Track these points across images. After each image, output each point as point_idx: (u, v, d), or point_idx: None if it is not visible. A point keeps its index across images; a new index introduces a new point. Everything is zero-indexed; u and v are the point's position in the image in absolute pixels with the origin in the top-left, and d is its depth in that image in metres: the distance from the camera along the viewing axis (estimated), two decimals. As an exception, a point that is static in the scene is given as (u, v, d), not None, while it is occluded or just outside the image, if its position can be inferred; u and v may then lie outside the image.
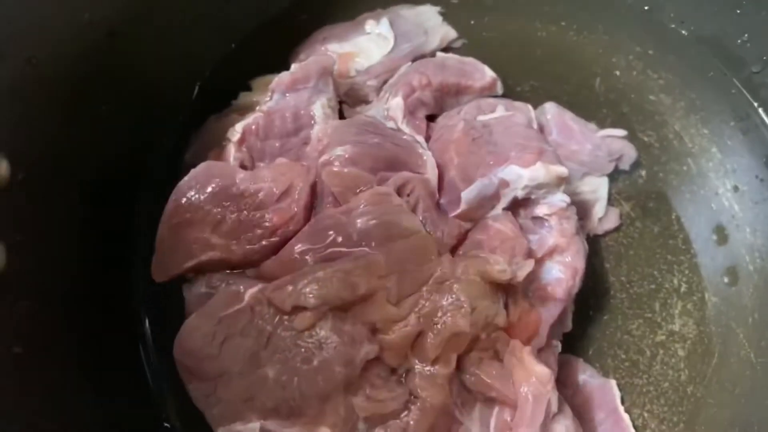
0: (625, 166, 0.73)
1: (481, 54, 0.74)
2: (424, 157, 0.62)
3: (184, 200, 0.60)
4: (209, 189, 0.60)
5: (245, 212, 0.60)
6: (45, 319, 0.53)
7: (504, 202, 0.62)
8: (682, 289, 0.70)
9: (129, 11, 0.60)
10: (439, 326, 0.56)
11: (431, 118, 0.70)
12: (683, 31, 0.76)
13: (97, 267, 0.62)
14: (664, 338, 0.68)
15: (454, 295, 0.57)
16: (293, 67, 0.65)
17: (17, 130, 0.50)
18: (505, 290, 0.60)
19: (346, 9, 0.77)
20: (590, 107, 0.75)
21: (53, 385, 0.52)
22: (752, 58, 0.71)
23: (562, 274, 0.61)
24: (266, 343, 0.56)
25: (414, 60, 0.74)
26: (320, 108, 0.64)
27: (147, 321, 0.65)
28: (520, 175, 0.60)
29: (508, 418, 0.57)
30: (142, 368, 0.64)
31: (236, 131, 0.63)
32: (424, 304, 0.57)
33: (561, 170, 0.61)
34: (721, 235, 0.71)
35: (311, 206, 0.61)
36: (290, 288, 0.55)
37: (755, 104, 0.74)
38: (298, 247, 0.59)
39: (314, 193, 0.62)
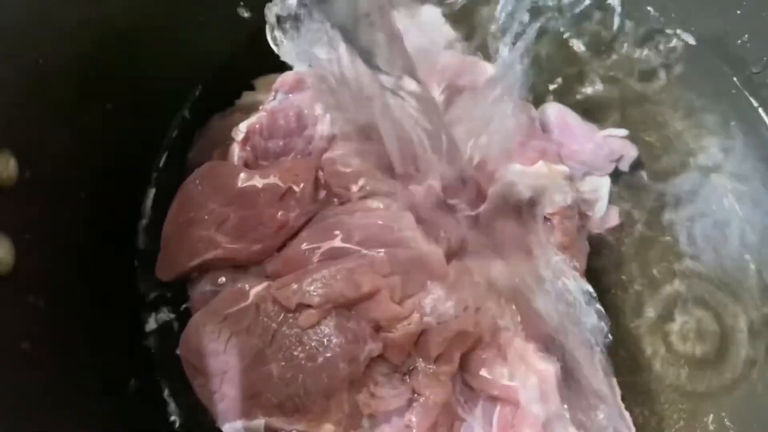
0: (625, 166, 0.73)
1: (482, 53, 0.76)
2: (429, 156, 0.63)
3: (188, 199, 0.61)
4: (213, 188, 0.61)
5: (249, 211, 0.61)
6: (52, 316, 0.53)
7: (510, 200, 0.63)
8: (683, 289, 0.70)
9: (134, 12, 0.61)
10: (442, 325, 0.57)
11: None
12: (684, 32, 0.77)
13: (103, 265, 0.62)
14: (664, 337, 0.69)
15: (458, 295, 0.58)
16: (296, 67, 0.66)
17: (24, 130, 0.51)
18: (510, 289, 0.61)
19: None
20: (591, 107, 0.76)
21: (60, 381, 0.53)
22: (753, 58, 0.72)
23: (564, 272, 0.62)
24: (271, 341, 0.57)
25: (417, 59, 0.74)
26: (325, 107, 0.65)
27: (151, 319, 0.66)
28: (522, 174, 0.61)
29: (511, 417, 0.58)
30: (147, 366, 0.65)
31: (240, 131, 0.64)
32: (428, 303, 0.58)
33: (563, 169, 0.62)
34: (722, 234, 0.72)
35: (315, 205, 0.62)
36: (295, 286, 0.56)
37: (755, 104, 0.74)
38: (302, 246, 0.60)
39: (318, 192, 0.63)
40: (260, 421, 0.55)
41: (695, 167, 0.74)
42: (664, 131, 0.76)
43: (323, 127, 0.64)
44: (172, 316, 0.66)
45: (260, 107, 0.66)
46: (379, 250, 0.58)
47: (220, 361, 0.56)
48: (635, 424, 0.64)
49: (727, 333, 0.69)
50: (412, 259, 0.58)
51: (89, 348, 0.57)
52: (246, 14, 0.76)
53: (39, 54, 0.52)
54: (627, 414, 0.64)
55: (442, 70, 0.72)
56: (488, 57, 0.76)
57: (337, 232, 0.58)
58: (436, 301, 0.58)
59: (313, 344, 0.56)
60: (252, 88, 0.73)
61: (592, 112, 0.75)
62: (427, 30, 0.77)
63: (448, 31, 0.78)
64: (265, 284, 0.58)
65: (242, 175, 0.62)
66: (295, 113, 0.64)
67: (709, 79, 0.76)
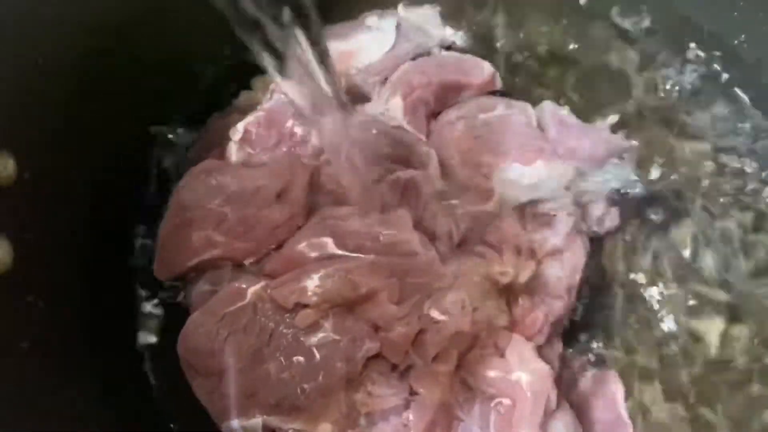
0: (624, 164, 0.73)
1: (481, 52, 0.76)
2: (428, 155, 0.64)
3: (186, 199, 0.62)
4: (211, 188, 0.62)
5: (246, 210, 0.62)
6: (51, 315, 0.54)
7: (509, 200, 0.63)
8: (683, 288, 0.71)
9: (134, 11, 0.62)
10: (440, 325, 0.58)
11: (432, 115, 0.72)
12: (684, 32, 0.77)
13: (102, 265, 0.63)
14: (663, 336, 0.69)
15: (455, 295, 0.58)
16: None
17: (23, 130, 0.51)
18: (507, 289, 0.62)
19: (348, 8, 0.78)
20: (589, 105, 0.76)
21: (59, 381, 0.53)
22: (750, 58, 0.73)
23: (562, 272, 0.63)
24: (269, 340, 0.57)
25: (414, 58, 0.75)
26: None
27: (150, 319, 0.67)
28: (521, 173, 0.62)
29: (508, 415, 0.58)
30: (146, 366, 0.66)
31: (238, 130, 0.64)
32: (426, 303, 0.58)
33: (561, 168, 0.62)
34: (722, 234, 0.72)
35: (311, 204, 0.63)
36: (292, 285, 0.57)
37: (753, 104, 0.75)
38: (300, 245, 0.60)
39: (314, 191, 0.63)
40: (258, 420, 0.56)
41: (695, 166, 0.75)
42: (664, 130, 0.76)
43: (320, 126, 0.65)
44: (171, 315, 0.66)
45: (258, 107, 0.67)
46: (378, 251, 0.58)
47: (218, 360, 0.57)
48: (633, 422, 0.65)
49: (726, 333, 0.69)
50: (410, 261, 0.59)
51: (89, 348, 0.58)
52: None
53: (38, 54, 0.53)
54: (626, 415, 0.65)
55: (441, 68, 0.72)
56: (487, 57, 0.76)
57: (332, 234, 0.59)
58: (433, 302, 0.58)
59: (310, 343, 0.57)
60: (250, 87, 0.73)
61: (589, 110, 0.76)
62: (425, 30, 0.78)
63: (447, 30, 0.79)
64: (262, 283, 0.59)
65: (239, 174, 0.63)
66: (293, 113, 0.65)
67: (708, 80, 0.76)
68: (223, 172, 0.63)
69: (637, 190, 0.73)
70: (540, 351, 0.61)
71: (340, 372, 0.56)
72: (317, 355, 0.56)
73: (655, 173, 0.75)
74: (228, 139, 0.65)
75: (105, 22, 0.58)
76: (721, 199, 0.73)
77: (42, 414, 0.50)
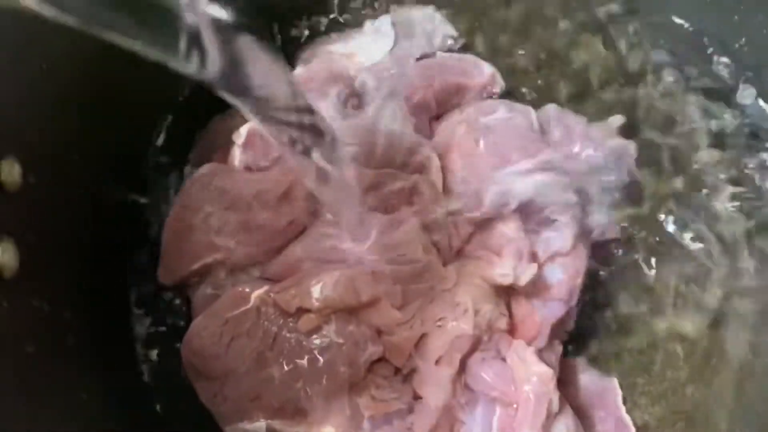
0: (626, 167, 0.74)
1: (483, 53, 0.77)
2: (429, 159, 0.64)
3: (188, 203, 0.63)
4: (213, 192, 0.63)
5: (249, 214, 0.62)
6: (55, 319, 0.55)
7: (511, 204, 0.64)
8: (684, 290, 0.72)
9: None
10: (442, 329, 0.58)
11: (434, 119, 0.72)
12: (683, 33, 0.78)
13: (106, 268, 0.64)
14: (664, 338, 0.70)
15: (457, 298, 0.59)
16: (297, 70, 0.67)
17: (28, 135, 0.52)
18: (508, 292, 0.63)
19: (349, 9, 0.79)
20: (592, 109, 0.77)
21: (64, 385, 0.54)
22: (750, 60, 0.74)
23: (563, 275, 0.64)
24: (272, 344, 0.58)
25: (415, 60, 0.75)
26: (324, 110, 0.66)
27: (154, 323, 0.67)
28: (523, 177, 0.62)
29: (511, 418, 0.59)
30: (150, 370, 0.66)
31: (241, 134, 0.65)
32: (428, 307, 0.59)
33: (563, 172, 0.63)
34: (723, 235, 0.73)
35: (314, 208, 0.63)
36: (295, 290, 0.57)
37: (752, 105, 0.76)
38: (303, 249, 0.61)
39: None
40: (262, 424, 0.57)
41: (696, 168, 0.75)
42: (664, 131, 0.77)
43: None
44: (176, 320, 0.67)
45: (261, 110, 0.67)
46: (381, 256, 0.59)
47: (222, 364, 0.57)
48: (635, 425, 0.66)
49: (727, 334, 0.70)
50: (414, 267, 0.59)
51: (94, 352, 0.58)
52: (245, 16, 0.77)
53: (42, 60, 0.53)
54: (627, 417, 0.66)
55: (441, 71, 0.72)
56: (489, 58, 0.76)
57: (335, 238, 0.60)
58: (436, 306, 0.59)
59: (313, 348, 0.57)
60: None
61: (592, 113, 0.76)
62: (426, 31, 0.78)
63: (449, 32, 0.79)
64: (265, 287, 0.59)
65: (242, 178, 0.63)
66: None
67: (708, 80, 0.77)
68: (225, 177, 0.63)
69: (639, 191, 0.74)
70: (541, 354, 0.61)
71: (343, 376, 0.56)
72: (320, 360, 0.57)
73: (657, 176, 0.75)
74: (231, 141, 0.66)
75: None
76: (725, 202, 0.74)
77: (46, 418, 0.50)
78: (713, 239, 0.73)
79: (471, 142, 0.65)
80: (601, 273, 0.72)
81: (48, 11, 0.32)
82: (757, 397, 0.68)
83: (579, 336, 0.69)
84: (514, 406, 0.59)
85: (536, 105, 0.73)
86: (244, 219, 0.62)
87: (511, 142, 0.65)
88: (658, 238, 0.74)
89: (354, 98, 0.74)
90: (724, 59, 0.77)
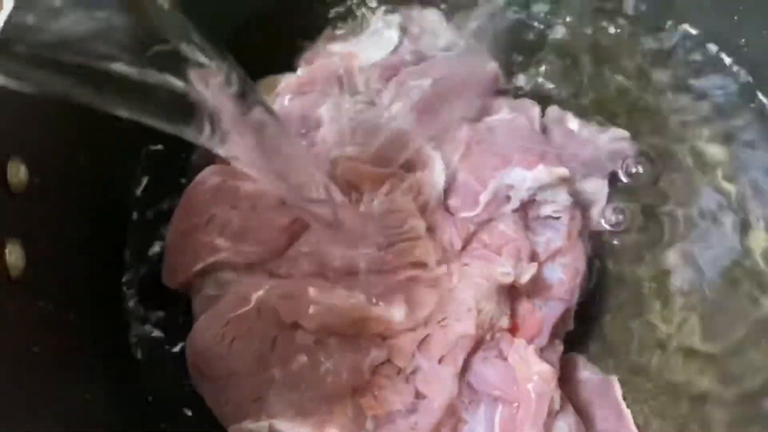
0: (626, 166, 0.75)
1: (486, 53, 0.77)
2: (432, 159, 0.65)
3: (191, 204, 0.63)
4: (216, 192, 0.63)
5: (251, 214, 0.63)
6: (61, 320, 0.55)
7: (511, 204, 0.64)
8: (684, 288, 0.72)
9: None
10: (446, 328, 0.59)
11: (436, 118, 0.73)
12: (683, 34, 0.78)
13: (112, 270, 0.64)
14: (665, 337, 0.71)
15: (459, 298, 0.60)
16: (300, 70, 0.68)
17: (34, 137, 0.53)
18: (509, 292, 0.63)
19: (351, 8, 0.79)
20: (592, 108, 0.78)
21: (69, 385, 0.55)
22: (749, 61, 0.74)
23: (563, 275, 0.64)
24: (272, 346, 0.58)
25: (417, 61, 0.76)
26: (327, 110, 0.67)
27: (159, 324, 0.68)
28: (523, 178, 0.63)
29: (513, 417, 0.60)
30: (155, 371, 0.67)
31: (242, 136, 0.65)
32: (432, 311, 0.60)
33: (563, 172, 0.64)
34: (723, 235, 0.74)
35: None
36: (291, 303, 0.58)
37: (751, 106, 0.77)
38: (305, 248, 0.61)
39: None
40: (265, 424, 0.57)
41: (696, 167, 0.76)
42: (664, 131, 0.77)
43: (327, 130, 0.66)
44: (180, 321, 0.67)
45: (263, 110, 0.68)
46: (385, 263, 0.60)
47: (224, 364, 0.58)
48: (636, 423, 0.66)
49: (727, 333, 0.71)
50: (420, 272, 0.60)
51: (98, 353, 0.59)
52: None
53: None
54: (628, 412, 0.66)
55: (443, 70, 0.73)
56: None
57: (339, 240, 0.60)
58: (438, 306, 0.59)
59: (314, 353, 0.58)
60: (255, 89, 0.74)
61: (592, 113, 0.77)
62: (429, 31, 0.79)
63: (452, 32, 0.80)
64: (267, 287, 0.59)
65: (245, 179, 0.64)
66: (299, 117, 0.66)
67: (707, 81, 0.78)
68: (228, 177, 0.64)
69: (639, 191, 0.75)
70: (542, 353, 0.62)
71: (347, 381, 0.57)
72: (323, 365, 0.57)
73: (659, 176, 0.76)
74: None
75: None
76: (726, 204, 0.75)
77: (60, 416, 0.51)
78: (717, 237, 0.74)
79: (472, 143, 0.66)
80: (602, 271, 0.73)
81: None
82: (759, 397, 0.69)
83: (579, 334, 0.69)
84: (516, 404, 0.59)
85: (539, 104, 0.73)
86: (247, 219, 0.63)
87: (512, 143, 0.66)
88: (660, 237, 0.74)
89: (356, 98, 0.75)
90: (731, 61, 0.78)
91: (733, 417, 0.68)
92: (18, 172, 0.51)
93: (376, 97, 0.74)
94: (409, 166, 0.65)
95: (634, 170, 0.75)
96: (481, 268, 0.62)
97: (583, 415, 0.64)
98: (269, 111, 0.45)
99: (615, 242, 0.74)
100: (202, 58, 0.37)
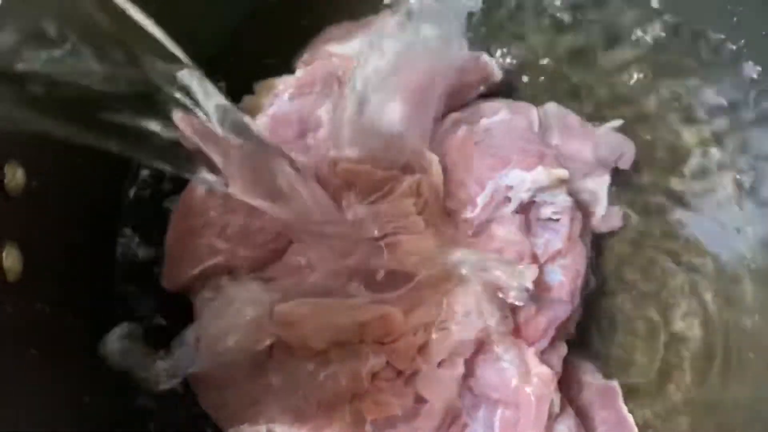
0: (625, 165, 0.74)
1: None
2: (430, 161, 0.65)
3: (189, 207, 0.64)
4: (214, 195, 0.63)
5: (249, 217, 0.63)
6: (58, 323, 0.56)
7: (511, 205, 0.65)
8: (685, 290, 0.72)
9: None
10: (445, 331, 0.59)
11: (434, 119, 0.73)
12: (682, 35, 0.78)
13: (109, 273, 0.65)
14: (667, 339, 0.71)
15: (460, 300, 0.60)
16: (298, 72, 0.68)
17: (31, 140, 0.53)
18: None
19: (351, 10, 0.80)
20: (591, 107, 0.78)
21: (67, 388, 0.55)
22: (747, 62, 0.74)
23: (564, 276, 0.65)
24: (269, 353, 0.59)
25: (416, 61, 0.76)
26: (326, 112, 0.67)
27: (154, 329, 0.68)
28: (522, 179, 0.63)
29: (512, 420, 0.60)
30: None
31: (242, 138, 0.66)
32: (431, 311, 0.60)
33: (561, 173, 0.64)
34: (723, 235, 0.74)
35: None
36: (298, 331, 0.57)
37: (751, 105, 0.77)
38: (300, 255, 0.62)
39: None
40: (262, 428, 0.58)
41: (696, 167, 0.76)
42: (663, 131, 0.77)
43: (326, 132, 0.66)
44: (178, 324, 0.67)
45: (261, 113, 0.68)
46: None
47: (221, 369, 0.58)
48: (638, 426, 0.66)
49: (729, 334, 0.71)
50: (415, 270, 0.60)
51: (96, 355, 0.59)
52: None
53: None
54: (629, 416, 0.66)
55: (438, 70, 0.73)
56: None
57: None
58: (438, 309, 0.60)
59: (312, 361, 0.58)
60: (252, 92, 0.74)
61: (591, 112, 0.77)
62: (426, 31, 0.79)
63: (449, 32, 0.80)
64: (261, 292, 0.60)
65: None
66: (297, 119, 0.67)
67: (707, 81, 0.78)
68: (227, 180, 0.64)
69: (639, 191, 0.75)
70: (543, 355, 0.62)
71: (345, 388, 0.57)
72: (321, 373, 0.58)
73: (657, 175, 0.76)
74: (232, 145, 0.66)
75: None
76: (726, 201, 0.75)
77: (59, 418, 0.51)
78: (717, 236, 0.74)
79: (471, 144, 0.66)
80: (603, 272, 0.73)
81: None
82: (761, 399, 0.69)
83: (580, 336, 0.69)
84: (516, 407, 0.60)
85: (538, 103, 0.74)
86: (245, 222, 0.63)
87: (511, 144, 0.66)
88: (660, 237, 0.74)
89: (354, 100, 0.75)
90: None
91: (736, 420, 0.68)
92: (15, 175, 0.51)
93: (374, 98, 0.75)
94: (409, 168, 0.65)
95: (634, 169, 0.75)
96: (482, 270, 0.62)
97: (583, 418, 0.64)
98: (261, 140, 0.44)
99: (616, 243, 0.74)
100: (185, 99, 0.36)
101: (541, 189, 0.64)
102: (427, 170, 0.65)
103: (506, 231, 0.64)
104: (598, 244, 0.73)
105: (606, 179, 0.74)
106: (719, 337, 0.71)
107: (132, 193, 0.70)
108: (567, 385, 0.65)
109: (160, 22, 0.39)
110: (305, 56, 0.76)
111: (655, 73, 0.79)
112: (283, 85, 0.68)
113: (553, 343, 0.64)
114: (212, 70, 0.70)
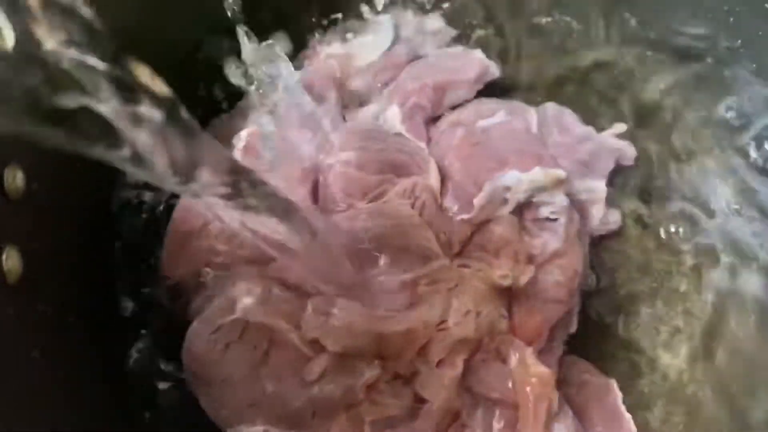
0: (624, 166, 0.75)
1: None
2: (427, 163, 0.66)
3: (188, 209, 0.64)
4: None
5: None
6: (60, 325, 0.56)
7: (508, 206, 0.65)
8: (683, 289, 0.73)
9: (134, 10, 0.64)
10: (444, 332, 0.60)
11: (431, 120, 0.74)
12: (682, 36, 0.79)
13: (109, 274, 0.65)
14: (665, 338, 0.72)
15: (458, 300, 0.61)
16: (295, 74, 0.69)
17: (31, 143, 0.53)
18: (508, 294, 0.64)
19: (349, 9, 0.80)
20: (590, 107, 0.78)
21: (69, 389, 0.56)
22: (746, 62, 0.75)
23: (561, 277, 0.65)
24: (265, 360, 0.59)
25: (412, 60, 0.76)
26: (324, 114, 0.67)
27: (153, 328, 0.68)
28: (519, 180, 0.64)
29: (511, 420, 0.61)
30: (155, 374, 0.67)
31: (241, 138, 0.66)
32: (431, 312, 0.60)
33: (559, 173, 0.64)
34: (723, 234, 0.74)
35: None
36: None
37: (750, 106, 0.77)
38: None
39: (316, 198, 0.65)
40: (260, 429, 0.58)
41: (695, 167, 0.76)
42: (663, 131, 0.78)
43: (324, 135, 0.67)
44: (179, 325, 0.68)
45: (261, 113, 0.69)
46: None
47: (219, 369, 0.59)
48: (636, 425, 0.66)
49: (727, 334, 0.71)
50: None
51: (97, 356, 0.60)
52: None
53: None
54: (627, 416, 0.67)
55: (434, 70, 0.74)
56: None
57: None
58: (437, 309, 0.60)
59: (307, 374, 0.58)
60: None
61: (591, 112, 0.78)
62: (424, 31, 0.79)
63: (448, 32, 0.80)
64: (255, 298, 0.60)
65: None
66: (297, 119, 0.67)
67: (706, 81, 0.78)
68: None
69: (637, 191, 0.76)
70: (541, 355, 0.63)
71: (340, 401, 0.58)
72: (316, 385, 0.58)
73: (659, 176, 0.77)
74: (231, 145, 0.67)
75: (107, 25, 0.60)
76: (724, 204, 0.75)
77: (60, 420, 0.52)
78: (716, 235, 0.74)
79: (468, 146, 0.67)
80: (601, 272, 0.74)
81: None
82: (759, 398, 0.69)
83: (579, 336, 0.70)
84: (515, 407, 0.60)
85: (536, 104, 0.74)
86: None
87: (508, 145, 0.67)
88: (659, 237, 0.75)
89: (352, 101, 0.75)
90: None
91: (736, 422, 0.69)
92: (15, 179, 0.52)
93: (371, 100, 0.75)
94: (406, 169, 0.65)
95: (634, 169, 0.76)
96: (479, 271, 0.63)
97: (581, 417, 0.65)
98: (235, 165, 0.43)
99: (614, 243, 0.75)
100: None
101: (539, 190, 0.65)
102: (425, 171, 0.66)
103: (504, 231, 0.64)
104: (596, 243, 0.74)
105: (604, 179, 0.74)
106: (717, 335, 0.71)
107: (132, 194, 0.70)
108: (565, 384, 0.66)
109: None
110: (304, 57, 0.77)
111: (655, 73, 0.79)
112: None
113: (550, 343, 0.65)
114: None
